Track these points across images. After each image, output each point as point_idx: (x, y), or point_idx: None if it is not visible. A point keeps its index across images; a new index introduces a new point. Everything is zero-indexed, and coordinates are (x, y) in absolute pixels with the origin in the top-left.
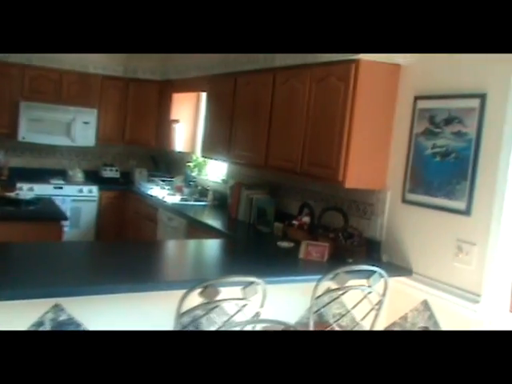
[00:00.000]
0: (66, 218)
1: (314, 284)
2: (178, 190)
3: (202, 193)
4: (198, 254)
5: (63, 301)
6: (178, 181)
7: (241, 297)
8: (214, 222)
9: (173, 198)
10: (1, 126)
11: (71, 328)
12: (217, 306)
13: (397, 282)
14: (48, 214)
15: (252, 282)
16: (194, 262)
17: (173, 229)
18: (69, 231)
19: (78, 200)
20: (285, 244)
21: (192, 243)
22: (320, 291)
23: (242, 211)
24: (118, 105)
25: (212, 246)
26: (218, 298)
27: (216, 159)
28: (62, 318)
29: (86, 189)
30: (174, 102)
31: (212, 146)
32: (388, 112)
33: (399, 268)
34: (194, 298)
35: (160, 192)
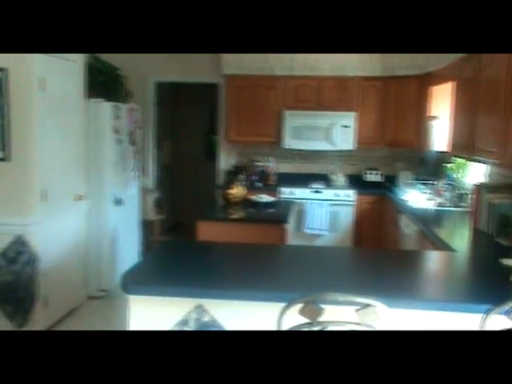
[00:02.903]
0: (285, 221)
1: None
2: (438, 193)
3: (462, 197)
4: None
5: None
6: (439, 184)
7: (357, 321)
8: (447, 231)
9: (428, 203)
10: (268, 135)
11: None
12: (324, 328)
13: None
14: (272, 217)
15: (367, 305)
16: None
17: (407, 236)
18: (328, 235)
19: (335, 204)
20: (510, 262)
21: (377, 254)
22: (490, 328)
23: (483, 219)
24: (378, 105)
25: (397, 260)
26: (326, 318)
27: (462, 158)
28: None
29: (343, 193)
30: (431, 97)
31: (458, 143)
32: None
33: None
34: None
35: (417, 196)
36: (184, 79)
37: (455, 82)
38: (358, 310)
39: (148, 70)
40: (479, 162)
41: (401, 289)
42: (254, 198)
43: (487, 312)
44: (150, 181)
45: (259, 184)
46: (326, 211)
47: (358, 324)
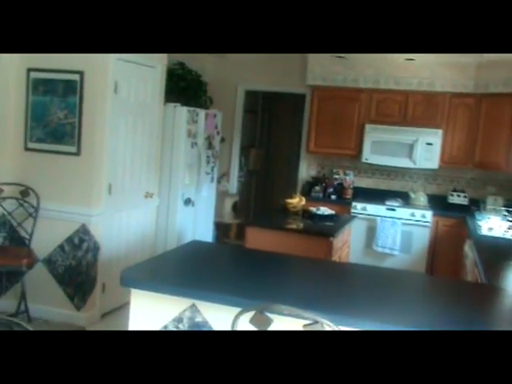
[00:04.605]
0: (332, 235)
1: None
2: None
3: None
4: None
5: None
6: None
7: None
8: (504, 263)
9: (505, 232)
10: (349, 148)
11: None
12: None
13: None
14: (319, 230)
15: (316, 322)
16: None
17: (467, 266)
18: (399, 255)
19: (408, 224)
20: None
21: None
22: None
23: None
24: (467, 124)
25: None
26: (276, 328)
27: None
28: None
29: (418, 213)
30: None
31: None
32: None
33: None
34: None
35: (497, 223)
36: (272, 88)
37: None
38: (305, 325)
39: (238, 78)
40: None
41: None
42: (313, 209)
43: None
44: (232, 185)
45: (334, 197)
46: (398, 230)
47: None
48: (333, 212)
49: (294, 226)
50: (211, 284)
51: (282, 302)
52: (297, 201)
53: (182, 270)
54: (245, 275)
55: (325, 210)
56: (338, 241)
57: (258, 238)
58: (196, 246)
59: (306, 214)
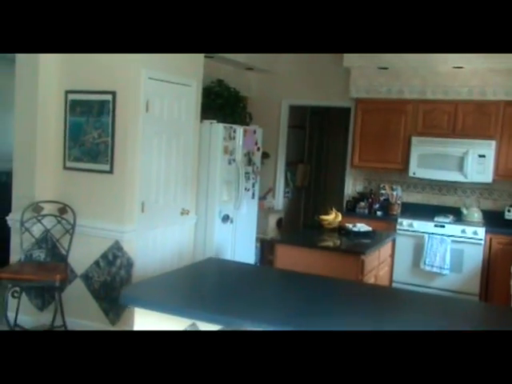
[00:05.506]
0: (363, 253)
1: None
2: None
3: None
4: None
5: None
6: None
7: None
8: None
9: None
10: (395, 162)
11: None
12: None
13: None
14: (349, 247)
15: None
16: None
17: None
18: (449, 275)
19: (459, 241)
20: None
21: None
22: None
23: None
24: None
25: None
26: None
27: None
28: None
29: (469, 230)
30: None
31: None
32: None
33: None
34: None
35: None
36: (316, 103)
37: None
38: None
39: (282, 93)
40: None
41: None
42: (349, 226)
43: None
44: (278, 201)
45: (380, 213)
46: (447, 248)
47: None
48: (369, 228)
49: (328, 244)
50: (212, 304)
51: (284, 325)
52: (332, 217)
53: (185, 288)
54: (249, 295)
55: (361, 227)
56: (372, 259)
57: (287, 256)
58: (211, 264)
59: (343, 231)
